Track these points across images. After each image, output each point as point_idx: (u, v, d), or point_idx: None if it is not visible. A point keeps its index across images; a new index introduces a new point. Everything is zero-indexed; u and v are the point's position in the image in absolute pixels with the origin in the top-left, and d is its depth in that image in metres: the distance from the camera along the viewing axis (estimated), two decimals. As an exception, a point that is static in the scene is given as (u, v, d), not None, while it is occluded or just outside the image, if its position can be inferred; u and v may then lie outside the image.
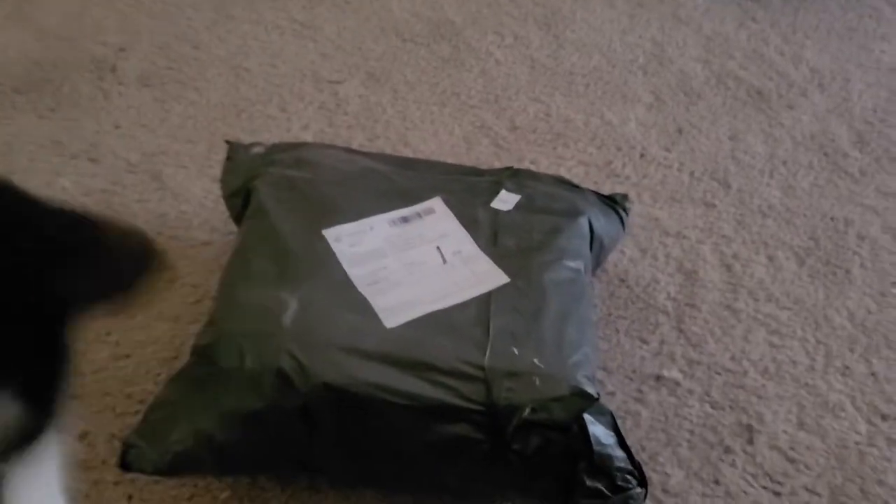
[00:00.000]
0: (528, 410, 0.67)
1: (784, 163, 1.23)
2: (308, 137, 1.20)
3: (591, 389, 0.69)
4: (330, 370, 0.68)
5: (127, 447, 0.71)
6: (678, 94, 1.35)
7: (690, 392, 0.92)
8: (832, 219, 1.15)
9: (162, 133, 1.19)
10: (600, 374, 0.89)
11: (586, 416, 0.67)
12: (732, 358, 0.96)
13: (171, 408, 0.70)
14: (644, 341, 0.97)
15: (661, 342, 0.97)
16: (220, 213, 1.03)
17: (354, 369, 0.68)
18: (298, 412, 0.68)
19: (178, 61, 1.32)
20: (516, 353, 0.71)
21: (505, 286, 0.77)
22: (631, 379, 0.93)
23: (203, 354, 0.71)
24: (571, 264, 0.80)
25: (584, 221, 0.86)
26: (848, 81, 1.39)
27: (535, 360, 0.70)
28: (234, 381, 0.69)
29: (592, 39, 1.45)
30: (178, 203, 1.09)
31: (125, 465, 0.70)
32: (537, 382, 0.69)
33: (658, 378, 0.93)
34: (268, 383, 0.68)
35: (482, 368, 0.69)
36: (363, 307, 0.73)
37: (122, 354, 0.91)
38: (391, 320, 0.72)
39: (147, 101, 1.24)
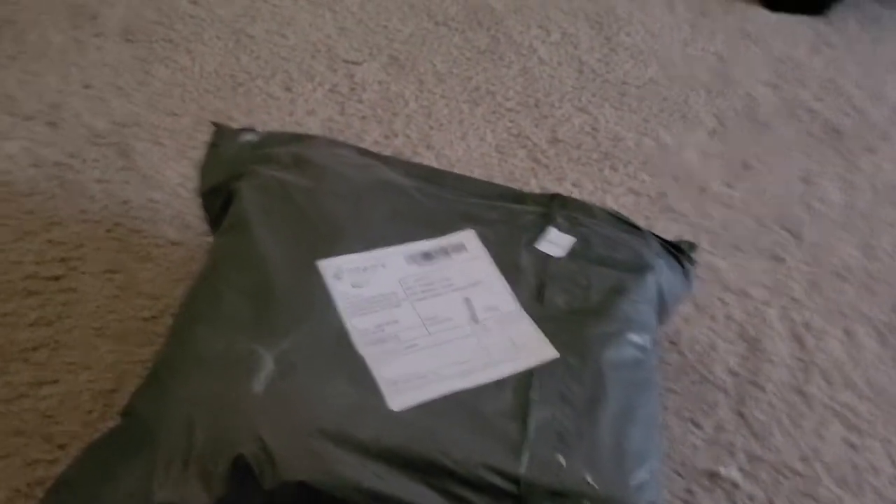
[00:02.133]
0: (572, 546, 0.49)
1: (863, 216, 1.05)
2: (314, 125, 1.01)
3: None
4: (309, 465, 0.49)
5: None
6: (744, 122, 1.16)
7: (752, 498, 0.74)
8: (919, 291, 0.97)
9: (139, 100, 1.00)
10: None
11: (652, 565, 0.49)
12: (802, 458, 0.78)
13: (82, 491, 0.51)
14: (698, 425, 0.79)
15: (718, 428, 0.79)
16: (196, 206, 0.84)
17: (343, 466, 0.50)
18: (259, 516, 0.49)
19: (170, 16, 1.12)
20: (563, 462, 0.52)
21: (552, 363, 0.58)
22: (680, 475, 0.75)
23: (136, 419, 0.52)
24: (637, 339, 0.62)
25: (651, 279, 0.68)
26: (935, 127, 1.21)
27: (588, 478, 0.52)
28: (175, 464, 0.50)
29: (649, 46, 1.27)
30: (148, 188, 0.90)
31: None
32: (589, 509, 0.50)
33: (713, 476, 0.75)
34: (221, 474, 0.49)
35: (516, 481, 0.51)
36: (362, 377, 0.55)
37: (48, 379, 0.72)
38: (398, 400, 0.54)
39: (127, 60, 1.05)
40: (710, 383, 0.82)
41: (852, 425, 0.82)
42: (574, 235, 0.68)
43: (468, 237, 0.66)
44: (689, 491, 0.74)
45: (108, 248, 0.83)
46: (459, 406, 0.54)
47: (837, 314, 0.92)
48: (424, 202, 0.68)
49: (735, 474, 0.76)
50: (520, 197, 0.75)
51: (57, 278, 0.79)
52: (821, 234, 1.01)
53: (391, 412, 0.53)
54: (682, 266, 0.78)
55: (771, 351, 0.87)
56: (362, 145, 0.98)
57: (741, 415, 0.80)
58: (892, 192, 1.09)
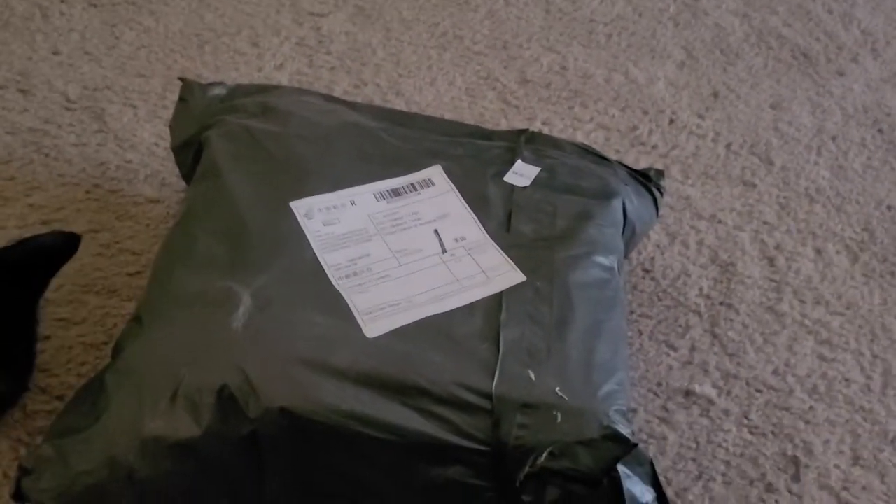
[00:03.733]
0: (545, 455, 0.52)
1: (833, 138, 1.07)
2: (283, 79, 1.01)
3: (627, 431, 0.54)
4: (289, 391, 0.52)
5: (23, 472, 0.54)
6: (714, 52, 1.17)
7: (726, 413, 0.77)
8: (888, 207, 0.99)
9: (108, 64, 1.00)
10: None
11: (620, 468, 0.52)
12: (775, 372, 0.81)
13: (81, 426, 0.53)
14: (672, 347, 0.81)
15: (692, 349, 0.81)
16: (172, 164, 0.85)
17: (321, 391, 0.52)
18: (245, 444, 0.52)
19: (132, -21, 1.12)
20: (533, 377, 0.55)
21: (520, 287, 0.60)
22: (656, 394, 0.77)
23: (123, 359, 0.54)
24: (604, 261, 0.64)
25: (617, 204, 0.70)
26: (904, 48, 1.22)
27: (557, 389, 0.54)
28: (162, 399, 0.52)
29: (617, -18, 1.26)
30: (123, 150, 0.91)
31: (19, 494, 0.54)
32: (559, 418, 0.53)
33: (688, 394, 0.78)
34: (206, 405, 0.51)
35: (488, 397, 0.53)
36: (337, 308, 0.57)
37: (41, 335, 0.74)
38: (373, 327, 0.56)
39: (94, 25, 1.05)
40: (683, 307, 0.85)
41: (824, 340, 0.84)
42: (540, 166, 0.70)
43: (435, 172, 0.67)
44: (666, 409, 0.76)
45: (88, 209, 0.84)
46: (432, 330, 0.56)
47: (808, 234, 0.94)
48: (392, 142, 0.70)
49: (710, 391, 0.78)
50: (487, 134, 0.77)
51: (40, 240, 0.81)
52: (791, 158, 1.03)
53: (366, 339, 0.55)
54: (651, 193, 0.80)
55: (743, 273, 0.89)
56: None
57: (714, 335, 0.83)
58: (862, 113, 1.11)
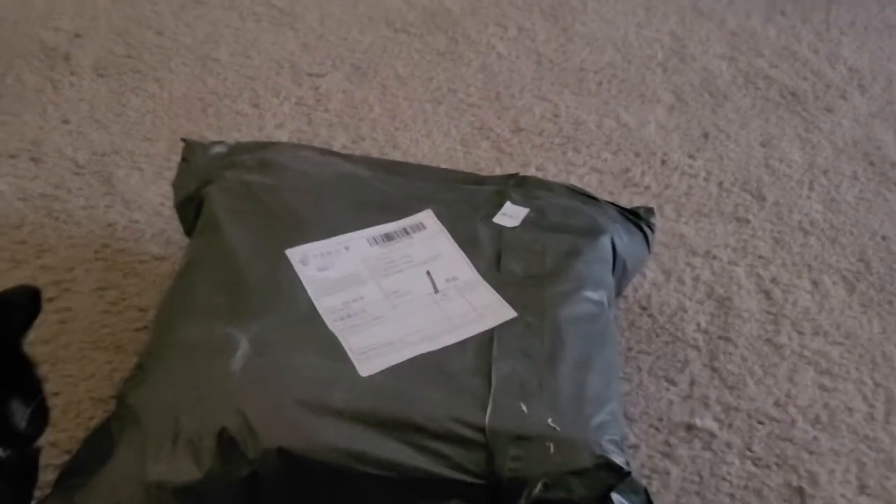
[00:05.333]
0: (539, 486, 0.52)
1: (825, 172, 1.09)
2: (283, 137, 1.05)
3: (620, 460, 0.54)
4: (287, 432, 0.53)
5: (31, 523, 0.55)
6: (702, 95, 1.20)
7: (729, 446, 0.77)
8: (883, 238, 1.00)
9: (116, 130, 1.04)
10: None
11: (615, 497, 0.52)
12: (777, 404, 0.81)
13: (87, 475, 0.55)
14: (672, 382, 0.82)
15: (692, 383, 0.82)
16: (177, 222, 0.88)
17: (318, 430, 0.53)
18: (246, 485, 0.53)
19: (138, 49, 1.17)
20: (525, 410, 0.56)
21: (511, 323, 0.61)
22: (657, 429, 0.78)
23: (127, 407, 0.56)
24: (593, 295, 0.65)
25: (605, 241, 0.71)
26: (891, 82, 1.25)
27: (550, 421, 0.55)
28: (164, 444, 0.53)
29: (605, 33, 1.31)
30: (130, 211, 0.94)
31: (27, 544, 0.55)
32: (552, 449, 0.54)
33: (689, 428, 0.78)
34: (207, 448, 0.53)
35: (482, 430, 0.54)
36: (333, 349, 0.58)
37: (50, 391, 0.74)
38: (367, 366, 0.57)
39: (102, 94, 1.09)
40: (681, 342, 0.86)
41: (824, 370, 0.85)
42: (529, 207, 0.72)
43: (426, 216, 0.70)
44: (668, 443, 0.77)
45: (96, 268, 0.87)
46: (426, 367, 0.58)
47: (804, 267, 0.96)
48: (385, 189, 0.72)
49: (711, 424, 0.79)
50: (478, 179, 0.79)
51: (51, 300, 0.83)
52: (783, 193, 1.05)
53: (361, 378, 0.56)
54: (641, 230, 0.82)
55: (740, 307, 0.90)
56: (332, 151, 1.02)
57: (714, 369, 0.83)
58: (852, 147, 1.13)
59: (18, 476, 0.53)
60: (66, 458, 0.70)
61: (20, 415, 0.52)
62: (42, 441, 0.70)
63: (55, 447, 0.71)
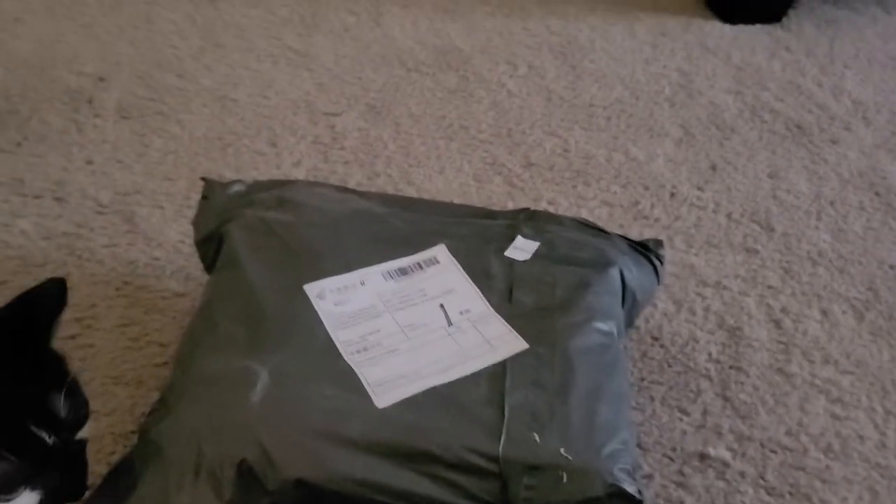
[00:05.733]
0: (553, 515, 0.53)
1: (832, 203, 1.10)
2: (300, 175, 1.08)
3: (632, 488, 0.55)
4: (305, 463, 0.54)
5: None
6: (709, 129, 1.22)
7: (742, 475, 0.78)
8: (891, 266, 1.01)
9: (138, 170, 1.08)
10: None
11: (627, 525, 0.53)
12: (789, 432, 0.82)
13: (109, 506, 0.56)
14: (684, 412, 0.83)
15: (705, 413, 0.83)
16: (196, 260, 0.90)
17: (335, 461, 0.55)
18: (265, 515, 0.54)
19: (160, 91, 1.21)
20: (538, 439, 0.57)
21: (523, 354, 0.63)
22: (671, 458, 0.78)
23: (148, 441, 0.57)
24: (602, 326, 0.67)
25: (614, 273, 0.73)
26: (895, 114, 1.27)
27: (562, 450, 0.56)
28: (187, 475, 0.55)
29: (613, 70, 1.34)
30: (151, 248, 0.96)
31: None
32: (565, 479, 0.55)
33: (703, 457, 0.79)
34: (227, 478, 0.54)
35: (496, 460, 0.56)
36: (349, 381, 0.60)
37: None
38: (383, 398, 0.59)
39: (124, 135, 1.13)
40: (693, 372, 0.87)
41: (836, 398, 0.85)
42: (539, 241, 0.74)
43: (440, 251, 0.72)
44: (682, 473, 0.77)
45: (118, 305, 0.89)
46: (440, 399, 0.59)
47: (813, 296, 0.97)
48: (398, 225, 0.74)
49: (724, 453, 0.79)
50: (490, 214, 0.81)
51: (74, 337, 0.85)
52: (791, 224, 1.06)
53: (377, 409, 0.58)
54: (651, 262, 0.83)
55: (751, 337, 0.91)
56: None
57: (726, 398, 0.84)
58: (858, 178, 1.14)
59: (68, 465, 0.56)
60: (88, 493, 0.72)
61: (58, 404, 0.55)
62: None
63: (78, 481, 0.73)
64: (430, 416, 0.58)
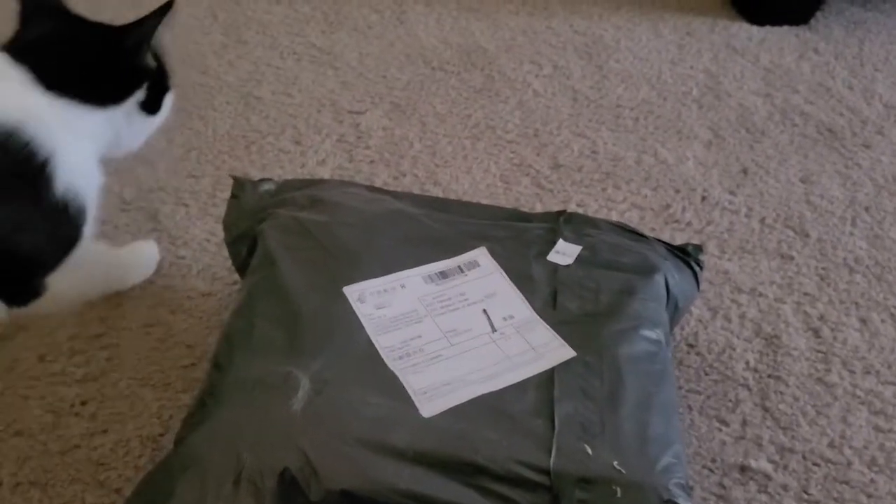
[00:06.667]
0: (606, 531, 0.51)
1: (867, 209, 1.08)
2: (325, 174, 1.06)
3: (687, 504, 0.53)
4: (349, 473, 0.52)
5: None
6: (739, 131, 1.20)
7: (785, 488, 0.75)
8: (930, 275, 0.99)
9: (161, 167, 1.06)
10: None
11: (684, 542, 0.51)
12: (831, 445, 0.79)
13: (145, 515, 0.54)
14: (724, 422, 0.81)
15: (744, 423, 0.81)
16: (223, 258, 0.89)
17: (380, 471, 0.53)
18: (308, 527, 0.52)
19: (183, 87, 1.18)
20: (590, 452, 0.55)
21: (570, 362, 0.61)
22: (711, 470, 0.76)
23: (186, 447, 0.55)
24: (650, 334, 0.65)
25: (659, 279, 0.71)
26: (928, 119, 1.25)
27: (615, 463, 0.54)
28: (226, 484, 0.53)
29: (639, 70, 1.31)
30: (176, 247, 0.95)
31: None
32: (619, 493, 0.53)
33: (743, 469, 0.77)
34: (269, 488, 0.52)
35: (547, 473, 0.54)
36: (393, 388, 0.58)
37: (98, 430, 0.76)
38: (429, 407, 0.57)
39: (146, 132, 1.11)
40: (731, 381, 0.84)
41: (878, 410, 0.83)
42: (581, 244, 0.72)
43: (480, 254, 0.70)
44: (722, 485, 0.75)
45: (143, 304, 0.88)
46: (487, 408, 0.57)
47: (851, 304, 0.94)
48: (434, 226, 0.72)
49: (766, 466, 0.77)
50: (526, 216, 0.79)
51: (98, 336, 0.84)
52: (826, 230, 1.04)
53: (422, 418, 0.56)
54: (691, 267, 0.81)
55: (789, 345, 0.89)
56: (374, 187, 1.03)
57: (765, 409, 0.82)
58: (893, 183, 1.12)
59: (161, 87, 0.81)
60: (115, 497, 0.70)
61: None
62: (89, 479, 0.70)
63: (103, 487, 0.71)
64: (477, 426, 0.56)
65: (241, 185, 0.82)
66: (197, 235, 0.96)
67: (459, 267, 0.69)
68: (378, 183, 1.05)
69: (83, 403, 0.77)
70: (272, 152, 1.09)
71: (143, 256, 0.89)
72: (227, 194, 0.85)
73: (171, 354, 0.82)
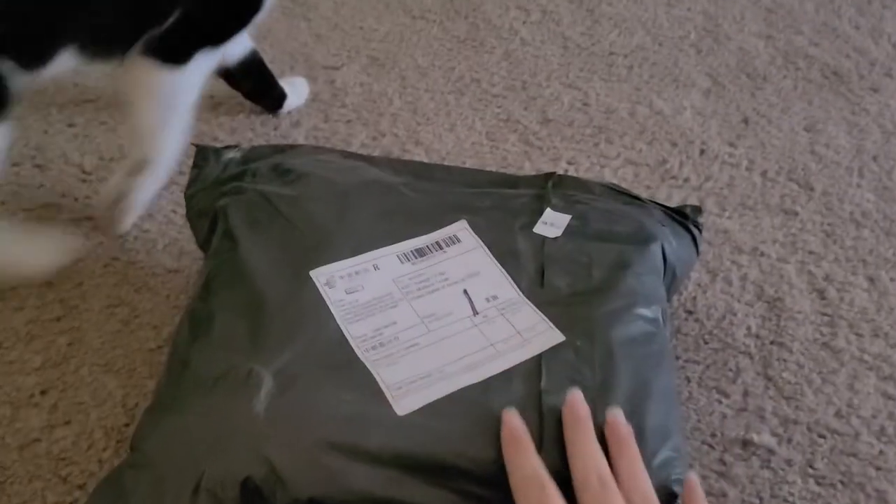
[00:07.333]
0: (599, 534, 0.47)
1: (874, 158, 1.02)
2: (299, 136, 0.99)
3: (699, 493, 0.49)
4: (318, 479, 0.48)
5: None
6: (740, 77, 1.13)
7: (789, 463, 0.71)
8: (941, 228, 0.93)
9: (124, 132, 0.99)
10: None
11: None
12: (838, 415, 0.75)
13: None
14: (724, 393, 0.76)
15: (746, 394, 0.76)
16: (190, 232, 0.83)
17: (352, 477, 0.48)
18: (274, 539, 0.48)
19: (144, 45, 1.11)
20: (581, 448, 0.50)
21: (559, 347, 0.56)
22: (711, 446, 0.72)
23: (141, 452, 0.51)
24: (646, 312, 0.59)
25: (656, 249, 0.65)
26: (939, 58, 1.18)
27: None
28: (184, 495, 0.48)
29: (633, 13, 1.24)
30: (141, 220, 0.89)
31: None
32: (612, 493, 0.48)
33: (745, 444, 0.72)
34: (231, 499, 0.48)
35: (534, 473, 0.49)
36: (365, 383, 0.53)
37: (61, 421, 0.71)
38: (404, 403, 0.52)
39: (107, 94, 1.04)
40: (732, 349, 0.80)
41: (887, 375, 0.79)
42: (571, 213, 0.66)
43: (461, 228, 0.64)
44: (723, 462, 0.71)
45: (106, 283, 0.82)
46: (468, 403, 0.52)
47: (858, 262, 0.89)
48: (413, 198, 0.67)
49: (769, 439, 0.73)
50: (512, 181, 0.73)
51: (58, 319, 0.79)
52: (832, 182, 0.98)
53: (398, 417, 0.51)
54: (689, 232, 0.76)
55: (793, 308, 0.84)
56: (350, 149, 0.97)
57: (768, 378, 0.78)
58: (901, 130, 1.06)
59: None
60: (78, 493, 0.66)
61: None
62: (50, 475, 0.66)
63: (66, 482, 0.66)
64: (457, 423, 0.51)
65: (203, 154, 0.76)
66: (163, 207, 0.90)
67: (438, 243, 0.63)
68: (356, 144, 0.99)
69: (43, 393, 0.72)
70: (242, 113, 1.02)
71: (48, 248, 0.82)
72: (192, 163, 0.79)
73: (137, 337, 0.77)
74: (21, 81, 0.70)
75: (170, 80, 0.75)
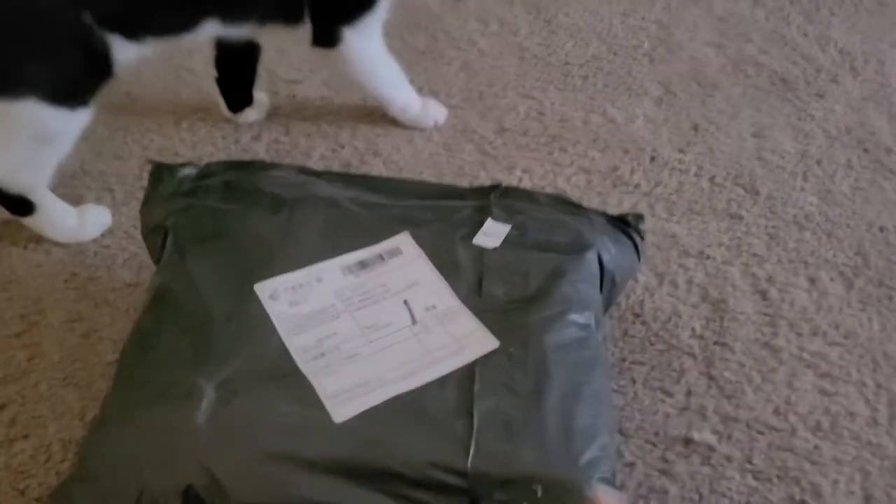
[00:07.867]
0: (527, 532, 0.50)
1: (818, 162, 1.05)
2: (260, 149, 1.01)
3: (613, 499, 0.51)
4: (258, 488, 0.50)
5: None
6: (691, 85, 1.16)
7: (728, 459, 0.74)
8: (881, 229, 0.97)
9: (84, 148, 1.00)
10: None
11: (608, 540, 0.50)
12: (776, 412, 0.78)
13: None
14: (668, 393, 0.79)
15: (689, 394, 0.79)
16: (149, 246, 0.85)
17: (291, 485, 0.50)
18: (217, 545, 0.50)
19: (106, 62, 1.13)
20: (510, 450, 0.53)
21: (493, 354, 0.58)
22: (654, 444, 0.75)
23: (86, 466, 0.53)
24: (579, 318, 0.62)
25: (591, 257, 0.68)
26: (883, 64, 1.21)
27: (536, 462, 0.52)
28: (128, 504, 0.50)
29: (589, 24, 1.27)
30: (101, 235, 0.91)
31: None
32: (539, 492, 0.51)
33: (687, 442, 0.75)
34: (173, 508, 0.50)
35: (464, 475, 0.52)
36: (305, 394, 0.55)
37: (19, 435, 0.73)
38: (341, 411, 0.54)
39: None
40: (676, 350, 0.83)
41: (824, 373, 0.82)
42: (511, 223, 0.69)
43: (403, 240, 0.66)
44: (665, 459, 0.74)
45: (66, 298, 0.84)
46: (403, 408, 0.55)
47: (800, 263, 0.92)
48: (359, 212, 0.69)
49: (709, 437, 0.76)
50: (460, 193, 0.76)
51: (18, 335, 0.80)
52: (777, 186, 1.02)
53: (335, 425, 0.53)
54: (631, 239, 0.78)
55: (736, 309, 0.87)
56: (309, 162, 0.99)
57: (711, 377, 0.81)
58: (845, 134, 1.09)
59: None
60: (38, 506, 0.68)
61: None
62: (7, 489, 0.68)
63: (23, 495, 0.68)
64: (392, 428, 0.53)
65: (158, 171, 0.78)
66: (122, 222, 0.91)
67: (380, 255, 0.65)
68: (315, 156, 1.01)
69: (1, 408, 0.74)
70: (204, 128, 1.04)
71: None
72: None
73: (96, 350, 0.79)
74: (126, 55, 0.82)
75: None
